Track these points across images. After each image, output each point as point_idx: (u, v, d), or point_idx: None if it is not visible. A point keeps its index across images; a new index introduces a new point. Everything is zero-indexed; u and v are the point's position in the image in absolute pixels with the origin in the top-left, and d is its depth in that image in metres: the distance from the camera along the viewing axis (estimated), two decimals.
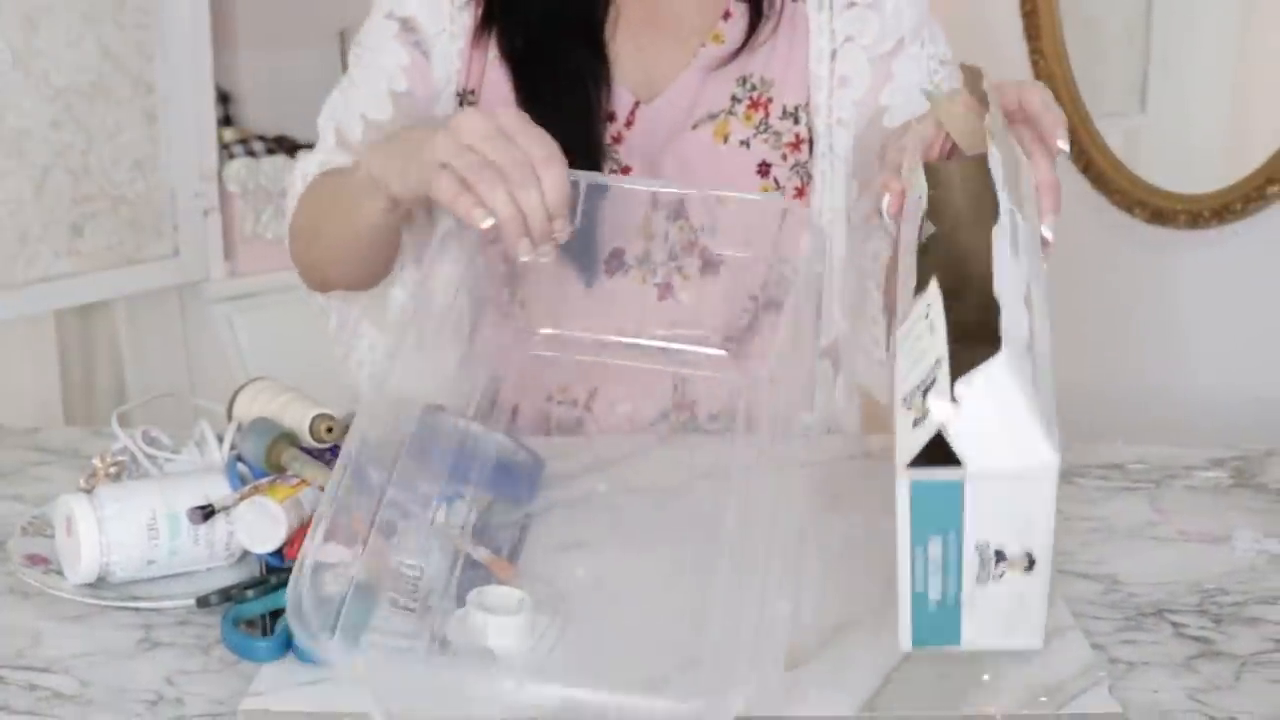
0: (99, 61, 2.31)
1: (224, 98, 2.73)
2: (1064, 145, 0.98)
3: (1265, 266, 2.08)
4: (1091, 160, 2.28)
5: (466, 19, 1.29)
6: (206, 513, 0.98)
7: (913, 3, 1.27)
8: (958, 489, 0.80)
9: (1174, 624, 0.95)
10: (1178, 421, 2.14)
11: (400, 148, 1.08)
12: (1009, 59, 2.35)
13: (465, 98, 1.29)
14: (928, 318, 0.86)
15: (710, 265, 1.27)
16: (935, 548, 0.82)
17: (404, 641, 0.86)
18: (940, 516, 0.81)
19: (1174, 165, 2.22)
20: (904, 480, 0.80)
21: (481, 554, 0.97)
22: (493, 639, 0.86)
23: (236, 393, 1.13)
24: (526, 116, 1.02)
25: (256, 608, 0.92)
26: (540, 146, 1.00)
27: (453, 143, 1.00)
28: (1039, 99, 1.00)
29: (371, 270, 1.29)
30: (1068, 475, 1.21)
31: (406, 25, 1.28)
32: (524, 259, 1.00)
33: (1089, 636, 0.92)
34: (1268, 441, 1.30)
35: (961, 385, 0.79)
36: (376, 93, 1.28)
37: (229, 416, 1.12)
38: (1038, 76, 2.32)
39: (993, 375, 0.79)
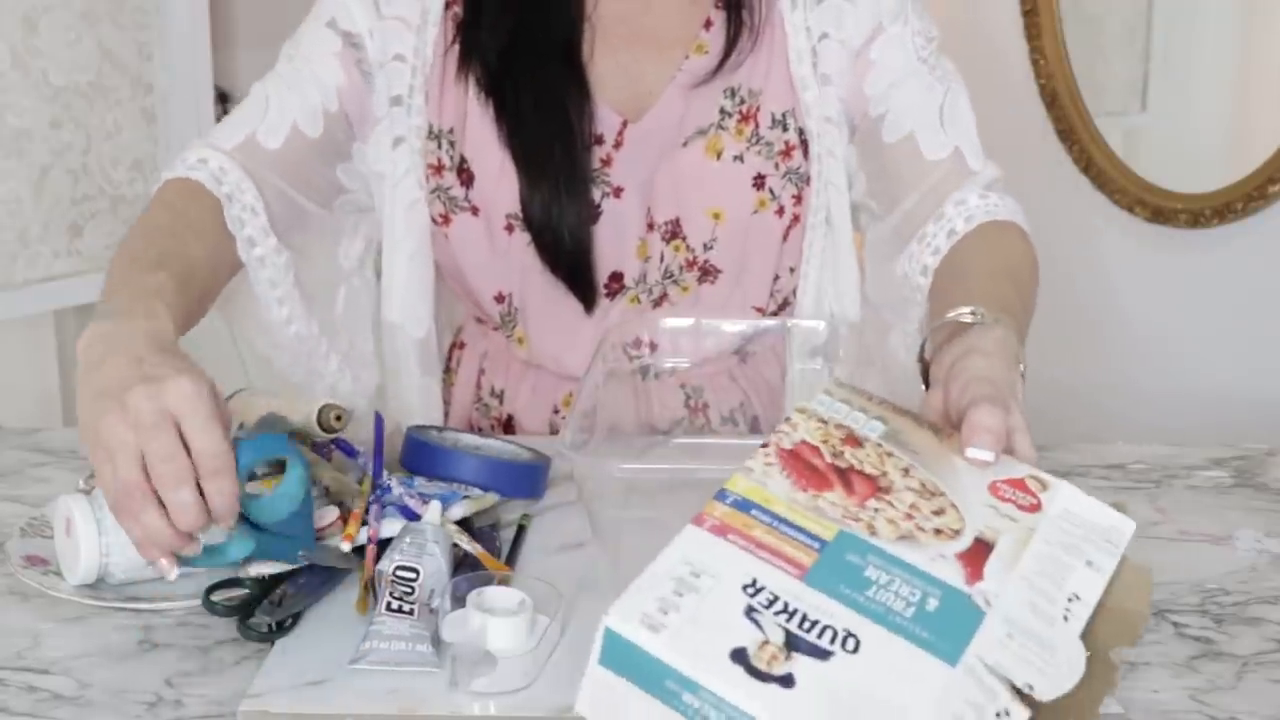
0: (98, 61, 2.31)
1: (223, 98, 2.73)
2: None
3: (1266, 266, 2.08)
4: (1092, 160, 2.28)
5: (442, 59, 1.25)
6: None
7: None
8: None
9: (1175, 624, 0.95)
10: (1178, 421, 2.14)
11: (90, 383, 0.89)
12: (1009, 59, 2.35)
13: (444, 136, 1.24)
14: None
15: (708, 275, 1.27)
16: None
17: (403, 644, 0.86)
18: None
19: (1175, 165, 2.22)
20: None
21: (478, 552, 0.97)
22: (492, 639, 0.86)
23: (228, 400, 1.13)
24: (202, 402, 0.85)
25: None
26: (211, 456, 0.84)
27: (120, 437, 0.84)
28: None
29: None
30: (1069, 475, 1.21)
31: (350, 41, 1.24)
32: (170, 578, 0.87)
33: None
34: (1268, 441, 1.30)
35: None
36: (310, 106, 1.23)
37: None
38: (1038, 76, 2.32)
39: None
